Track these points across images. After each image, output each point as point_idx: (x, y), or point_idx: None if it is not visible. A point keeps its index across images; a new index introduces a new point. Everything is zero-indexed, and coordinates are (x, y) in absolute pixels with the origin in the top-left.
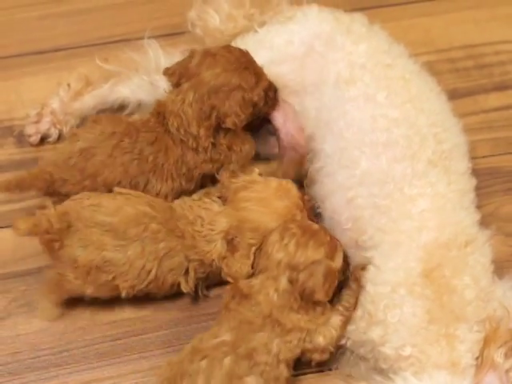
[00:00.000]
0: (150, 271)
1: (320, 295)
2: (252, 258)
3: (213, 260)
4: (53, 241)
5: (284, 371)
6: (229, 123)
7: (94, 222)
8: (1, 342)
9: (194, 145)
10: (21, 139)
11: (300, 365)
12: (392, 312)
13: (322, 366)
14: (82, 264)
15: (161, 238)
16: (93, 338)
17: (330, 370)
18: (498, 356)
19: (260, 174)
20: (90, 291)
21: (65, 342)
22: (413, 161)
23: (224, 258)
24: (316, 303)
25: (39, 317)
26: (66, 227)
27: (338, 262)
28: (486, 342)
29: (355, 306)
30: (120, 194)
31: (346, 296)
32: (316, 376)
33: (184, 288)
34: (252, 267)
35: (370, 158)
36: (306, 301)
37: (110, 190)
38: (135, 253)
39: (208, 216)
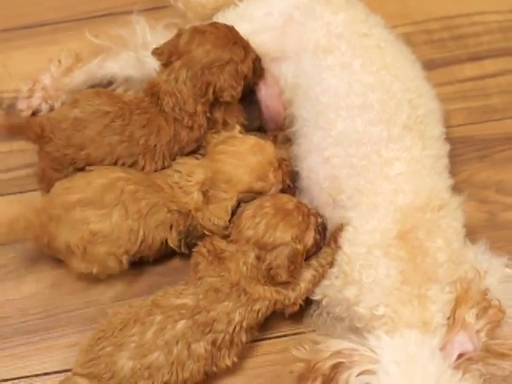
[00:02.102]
0: (138, 231)
1: (284, 276)
2: (229, 215)
3: (190, 211)
4: (37, 236)
5: (243, 337)
6: (227, 97)
7: (71, 203)
8: None
9: (190, 123)
10: (9, 111)
11: (279, 328)
12: (367, 272)
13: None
14: (74, 244)
15: (140, 197)
16: (78, 303)
17: (307, 331)
18: (470, 316)
19: (240, 132)
20: (95, 270)
21: (52, 307)
22: (388, 124)
23: (200, 209)
24: (282, 282)
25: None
26: (48, 221)
27: (307, 241)
28: (458, 303)
29: (330, 265)
30: (91, 170)
31: (324, 254)
32: (295, 338)
33: (171, 243)
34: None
35: (346, 121)
36: (272, 279)
37: (89, 165)
38: (120, 216)
39: (185, 168)
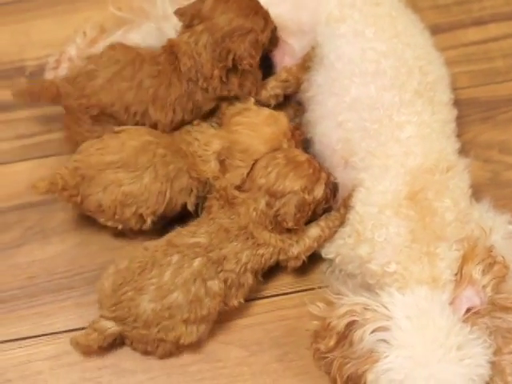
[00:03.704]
0: (165, 193)
1: (290, 223)
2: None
3: (207, 179)
4: (72, 196)
5: (249, 279)
6: (245, 65)
7: (104, 164)
8: (18, 268)
9: (205, 85)
10: (32, 79)
11: (293, 284)
12: (379, 231)
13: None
14: (107, 205)
15: (169, 161)
16: (103, 262)
17: (321, 287)
18: (476, 272)
19: (255, 104)
20: (120, 227)
21: (77, 266)
22: (400, 90)
23: (217, 177)
24: (288, 229)
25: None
26: (81, 180)
27: (316, 194)
28: (465, 260)
29: (337, 228)
30: (120, 131)
31: (332, 217)
32: (309, 293)
33: (190, 207)
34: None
35: (360, 87)
36: (279, 225)
37: (103, 112)
38: (150, 179)
39: (203, 138)
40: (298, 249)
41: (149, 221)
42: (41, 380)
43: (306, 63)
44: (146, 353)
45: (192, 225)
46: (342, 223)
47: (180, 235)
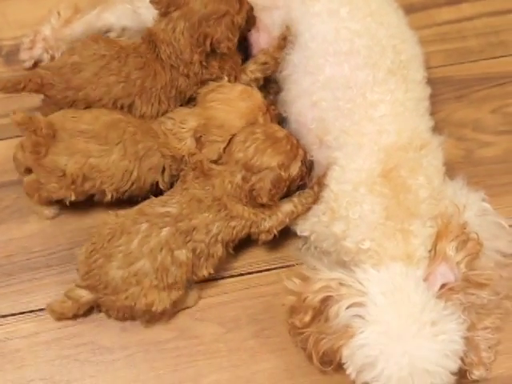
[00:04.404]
0: (132, 172)
1: (264, 199)
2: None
3: (183, 156)
4: (39, 145)
5: (219, 250)
6: (224, 48)
7: (77, 131)
8: None
9: (185, 71)
10: (8, 58)
11: (269, 261)
12: (353, 209)
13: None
14: (70, 173)
15: (139, 139)
16: (79, 241)
17: (296, 264)
18: (450, 249)
19: (228, 82)
20: (72, 198)
21: (54, 245)
22: (374, 69)
23: (193, 154)
24: (262, 204)
25: (39, 217)
26: (53, 136)
27: (292, 171)
28: (439, 237)
29: (310, 205)
30: (93, 108)
31: (306, 194)
32: (285, 270)
33: (162, 185)
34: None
35: (334, 66)
36: (253, 200)
37: (89, 106)
38: (119, 155)
39: (178, 116)
40: (270, 223)
41: (109, 196)
42: (19, 357)
43: (282, 43)
44: (123, 319)
45: (166, 194)
46: (315, 201)
47: (151, 204)
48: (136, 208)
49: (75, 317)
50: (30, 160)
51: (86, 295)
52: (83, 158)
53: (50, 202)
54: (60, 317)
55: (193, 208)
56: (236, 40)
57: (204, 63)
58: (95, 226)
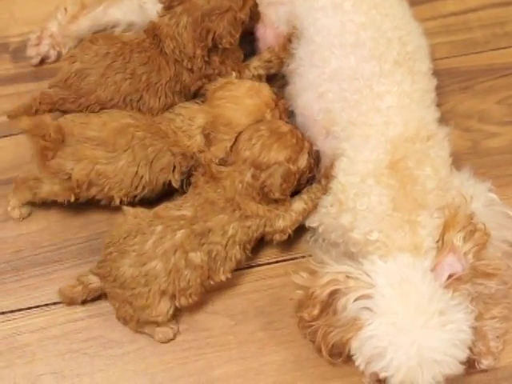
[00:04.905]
0: (142, 176)
1: (276, 194)
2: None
3: (193, 153)
4: (47, 149)
5: (237, 252)
6: (225, 44)
7: (85, 137)
8: (4, 242)
9: (189, 65)
10: (16, 55)
11: (277, 253)
12: (361, 200)
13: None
14: (75, 178)
15: (148, 143)
16: (87, 235)
17: (304, 257)
18: (458, 240)
19: (236, 77)
20: (72, 199)
21: (62, 240)
22: (380, 61)
23: (203, 151)
24: (275, 200)
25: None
26: (61, 140)
27: (301, 164)
28: (446, 227)
29: (320, 199)
30: (104, 112)
31: (314, 189)
32: (293, 263)
33: (175, 184)
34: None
35: (340, 58)
36: (266, 196)
37: (103, 108)
38: (127, 162)
39: (187, 113)
40: (284, 223)
41: (117, 201)
42: (29, 352)
43: (288, 43)
44: (124, 320)
45: (179, 199)
46: (324, 194)
47: (167, 208)
48: (152, 211)
49: (84, 303)
50: (37, 161)
51: (96, 282)
52: (90, 164)
53: (29, 202)
54: (70, 301)
55: (207, 210)
56: (238, 36)
57: (206, 58)
58: (102, 221)
